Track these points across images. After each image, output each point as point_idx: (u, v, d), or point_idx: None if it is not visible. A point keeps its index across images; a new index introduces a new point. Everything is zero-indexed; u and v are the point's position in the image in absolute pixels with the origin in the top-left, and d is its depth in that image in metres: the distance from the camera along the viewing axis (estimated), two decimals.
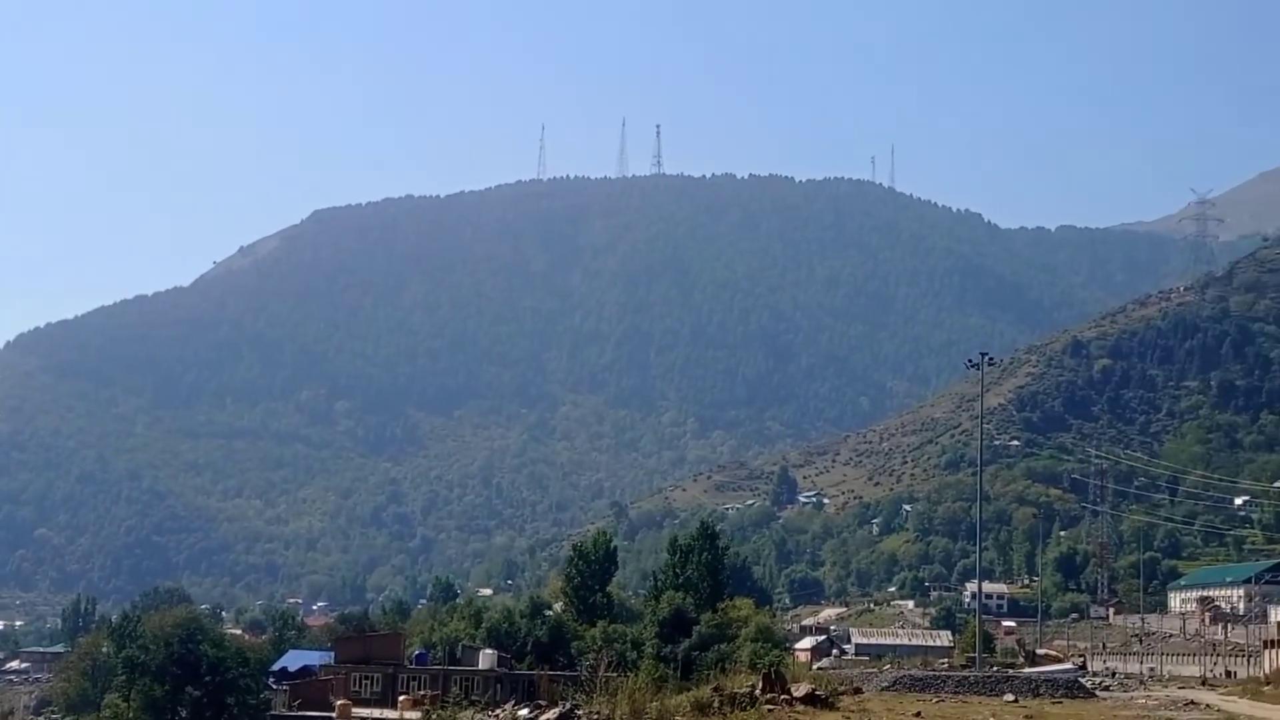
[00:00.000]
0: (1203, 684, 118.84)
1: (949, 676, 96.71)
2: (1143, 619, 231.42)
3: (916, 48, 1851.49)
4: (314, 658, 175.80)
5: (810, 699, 65.13)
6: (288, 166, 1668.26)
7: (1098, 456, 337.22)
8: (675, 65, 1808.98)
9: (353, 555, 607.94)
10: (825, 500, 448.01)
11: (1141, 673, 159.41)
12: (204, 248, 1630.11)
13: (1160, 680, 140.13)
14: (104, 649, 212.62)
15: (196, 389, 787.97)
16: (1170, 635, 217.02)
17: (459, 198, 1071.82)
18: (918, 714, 68.26)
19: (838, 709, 65.73)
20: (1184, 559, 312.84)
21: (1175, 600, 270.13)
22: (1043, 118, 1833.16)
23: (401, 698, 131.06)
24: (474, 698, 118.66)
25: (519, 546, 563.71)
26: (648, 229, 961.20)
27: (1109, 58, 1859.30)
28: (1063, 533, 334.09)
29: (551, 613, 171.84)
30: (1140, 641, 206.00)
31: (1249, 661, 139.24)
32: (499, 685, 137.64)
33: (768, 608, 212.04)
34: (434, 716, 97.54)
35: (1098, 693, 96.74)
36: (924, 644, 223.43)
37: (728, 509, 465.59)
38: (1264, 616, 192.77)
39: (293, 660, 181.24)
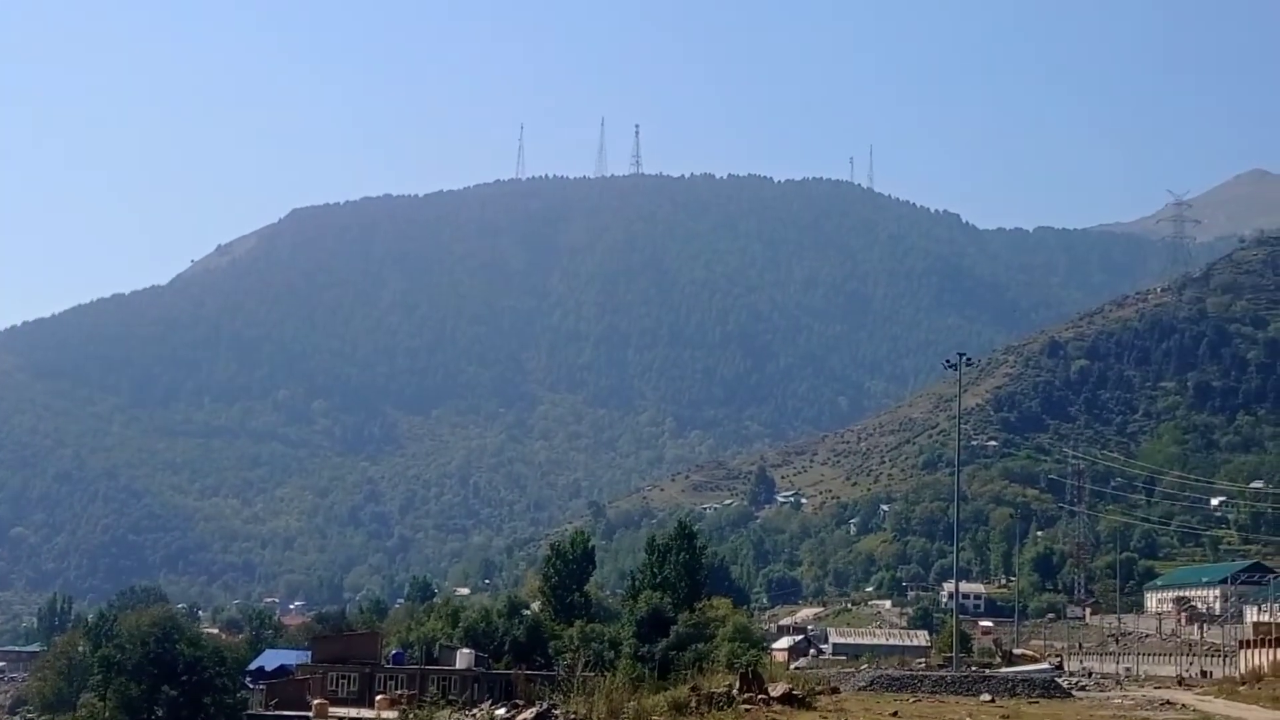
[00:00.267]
0: (1179, 684, 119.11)
1: (926, 676, 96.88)
2: (1119, 619, 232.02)
3: (895, 48, 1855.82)
4: (291, 657, 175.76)
5: (787, 699, 65.19)
6: (266, 165, 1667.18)
7: (1075, 457, 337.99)
8: (654, 65, 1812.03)
9: (330, 554, 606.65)
10: (803, 500, 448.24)
11: (1118, 673, 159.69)
12: (182, 247, 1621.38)
13: (1136, 680, 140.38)
14: (80, 648, 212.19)
15: (174, 388, 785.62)
16: (1146, 635, 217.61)
17: (437, 197, 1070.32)
18: (894, 714, 68.38)
19: (815, 709, 65.80)
20: (1160, 559, 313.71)
21: (1151, 600, 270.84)
22: (1021, 119, 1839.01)
23: (378, 697, 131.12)
24: (451, 697, 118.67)
25: (496, 546, 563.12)
26: (626, 229, 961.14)
27: (1087, 59, 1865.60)
28: (1040, 533, 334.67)
29: (529, 612, 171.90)
30: (1116, 641, 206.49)
31: (1225, 662, 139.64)
32: (476, 685, 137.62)
33: (745, 607, 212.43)
34: (411, 716, 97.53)
35: (1074, 693, 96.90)
36: (901, 644, 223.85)
37: (705, 509, 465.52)
38: (1240, 617, 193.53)
39: (270, 660, 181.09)
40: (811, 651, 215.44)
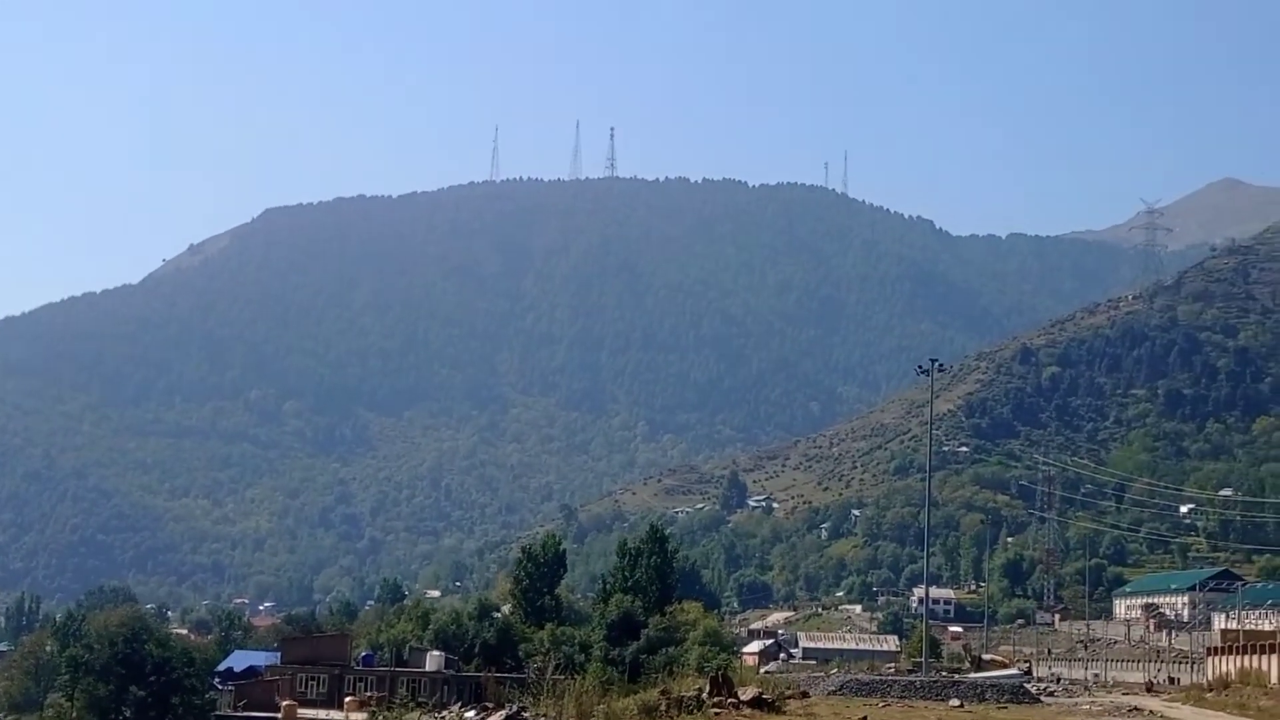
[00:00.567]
0: (1148, 690, 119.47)
1: (895, 681, 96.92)
2: (1088, 625, 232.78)
3: (871, 54, 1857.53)
4: (260, 658, 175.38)
5: (757, 703, 65.25)
6: (239, 165, 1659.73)
7: (1045, 463, 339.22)
8: (630, 68, 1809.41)
9: (300, 556, 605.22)
10: (774, 504, 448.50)
11: (1086, 679, 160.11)
12: (154, 245, 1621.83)
13: (1105, 686, 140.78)
14: (48, 648, 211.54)
15: (145, 387, 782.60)
16: (1115, 641, 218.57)
17: (411, 198, 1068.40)
18: (864, 718, 68.45)
19: (784, 713, 65.84)
20: (1129, 566, 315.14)
21: (1120, 607, 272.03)
22: (995, 125, 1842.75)
23: (348, 699, 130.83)
24: (421, 699, 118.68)
25: (468, 548, 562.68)
26: (601, 231, 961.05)
27: (1061, 68, 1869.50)
28: (1010, 539, 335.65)
29: (499, 615, 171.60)
30: (1085, 647, 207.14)
31: (1193, 668, 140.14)
32: (446, 687, 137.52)
33: (716, 611, 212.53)
34: (380, 718, 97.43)
35: (1043, 698, 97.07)
36: (871, 648, 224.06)
37: (677, 512, 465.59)
38: (1208, 624, 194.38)
39: (238, 660, 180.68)
40: (782, 656, 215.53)
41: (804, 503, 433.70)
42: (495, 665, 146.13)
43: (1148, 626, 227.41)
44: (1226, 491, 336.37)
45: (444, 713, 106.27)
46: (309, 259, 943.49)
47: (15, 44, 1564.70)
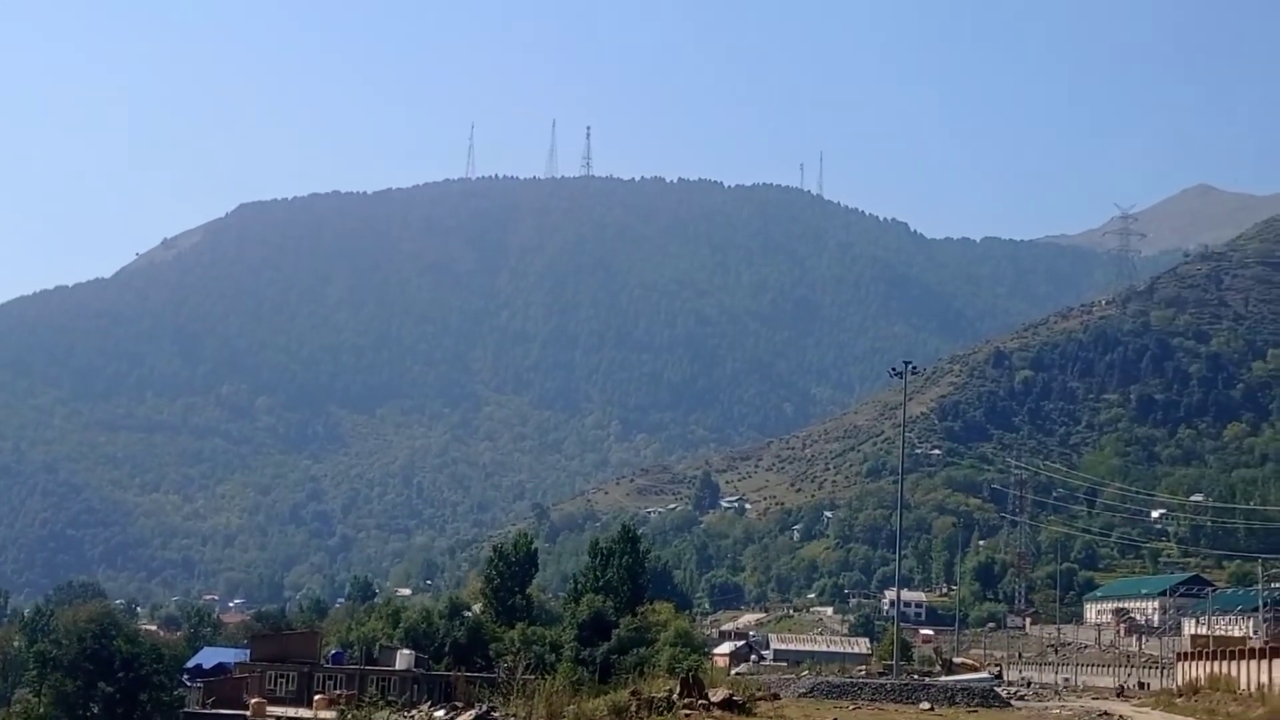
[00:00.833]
0: (1118, 695, 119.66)
1: (866, 684, 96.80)
2: (1059, 629, 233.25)
3: (847, 56, 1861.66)
4: (229, 655, 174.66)
5: (727, 704, 65.07)
6: (214, 159, 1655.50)
7: (1017, 467, 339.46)
8: (606, 67, 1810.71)
9: (271, 552, 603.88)
10: (747, 505, 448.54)
11: (1056, 683, 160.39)
12: (127, 239, 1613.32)
13: (1075, 691, 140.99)
14: (15, 643, 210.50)
15: (116, 382, 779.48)
16: (1085, 646, 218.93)
17: (386, 195, 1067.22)
18: None
19: (755, 715, 65.68)
20: (1100, 570, 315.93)
21: (1091, 611, 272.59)
22: (969, 129, 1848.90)
23: (317, 697, 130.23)
24: (390, 698, 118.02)
25: (439, 547, 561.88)
26: (576, 230, 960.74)
27: (1036, 73, 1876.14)
28: (981, 542, 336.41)
29: (470, 614, 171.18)
30: (1056, 651, 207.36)
31: (1163, 673, 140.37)
32: (416, 686, 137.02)
33: (687, 612, 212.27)
34: (349, 716, 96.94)
35: (1013, 702, 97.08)
36: (842, 651, 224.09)
37: (650, 512, 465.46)
38: (1178, 629, 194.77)
39: (208, 657, 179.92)
40: (753, 657, 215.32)
41: (776, 504, 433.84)
42: (465, 664, 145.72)
43: (1118, 631, 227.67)
44: (1197, 497, 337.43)
45: (413, 712, 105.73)
46: (283, 254, 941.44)
47: None
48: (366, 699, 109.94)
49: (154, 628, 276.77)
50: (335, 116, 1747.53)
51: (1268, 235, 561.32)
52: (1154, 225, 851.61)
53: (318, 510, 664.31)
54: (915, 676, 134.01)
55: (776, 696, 79.66)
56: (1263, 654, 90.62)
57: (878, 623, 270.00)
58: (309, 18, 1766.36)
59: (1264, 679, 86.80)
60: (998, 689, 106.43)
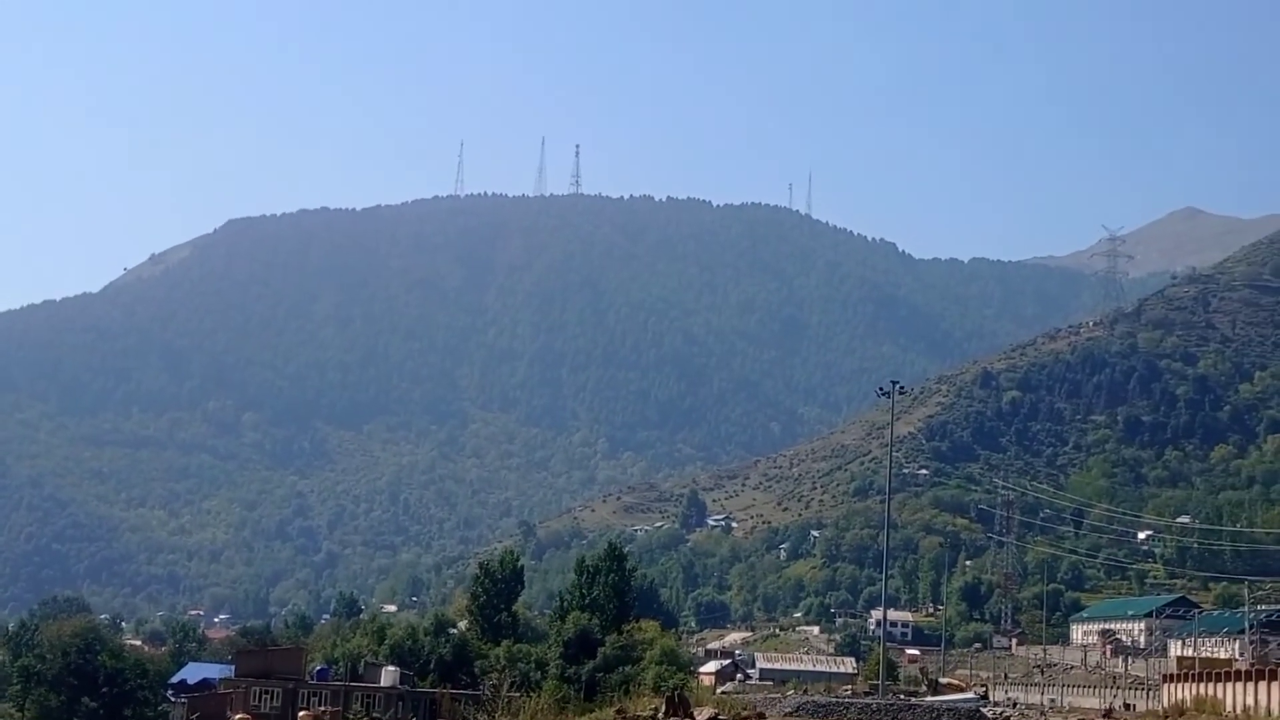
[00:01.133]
0: (1104, 716, 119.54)
1: (852, 703, 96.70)
2: (1045, 650, 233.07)
3: (836, 76, 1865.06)
4: (214, 671, 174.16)
5: None
6: (202, 175, 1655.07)
7: (1004, 487, 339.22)
8: (596, 86, 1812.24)
9: (256, 568, 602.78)
10: (734, 524, 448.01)
11: (1042, 704, 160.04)
12: (115, 254, 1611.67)
13: (1060, 712, 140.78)
14: None
15: (103, 396, 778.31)
16: (1071, 667, 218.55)
17: (375, 211, 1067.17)
18: None
19: None
20: (1087, 591, 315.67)
21: (1077, 632, 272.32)
22: (958, 150, 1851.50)
23: (301, 713, 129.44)
24: (375, 715, 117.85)
25: (425, 563, 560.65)
26: (564, 248, 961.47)
27: (1025, 95, 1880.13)
28: (968, 562, 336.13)
29: (456, 631, 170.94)
30: (1042, 672, 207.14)
31: (1148, 695, 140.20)
32: (401, 703, 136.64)
33: (673, 630, 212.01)
34: None
35: None
36: (828, 670, 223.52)
37: (636, 530, 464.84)
38: (1164, 650, 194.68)
39: (192, 673, 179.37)
40: (739, 676, 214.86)
41: (763, 523, 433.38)
42: (451, 682, 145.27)
43: (1104, 652, 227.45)
44: (1184, 519, 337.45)
45: None
46: (271, 270, 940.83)
47: None
48: (351, 716, 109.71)
49: (139, 643, 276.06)
50: (324, 133, 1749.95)
51: (1254, 258, 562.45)
52: (1141, 247, 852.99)
53: (304, 526, 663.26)
54: (901, 696, 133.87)
55: (762, 716, 79.51)
56: (1249, 676, 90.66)
57: (864, 642, 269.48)
58: (298, 35, 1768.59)
59: (1250, 701, 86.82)
60: (983, 709, 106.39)
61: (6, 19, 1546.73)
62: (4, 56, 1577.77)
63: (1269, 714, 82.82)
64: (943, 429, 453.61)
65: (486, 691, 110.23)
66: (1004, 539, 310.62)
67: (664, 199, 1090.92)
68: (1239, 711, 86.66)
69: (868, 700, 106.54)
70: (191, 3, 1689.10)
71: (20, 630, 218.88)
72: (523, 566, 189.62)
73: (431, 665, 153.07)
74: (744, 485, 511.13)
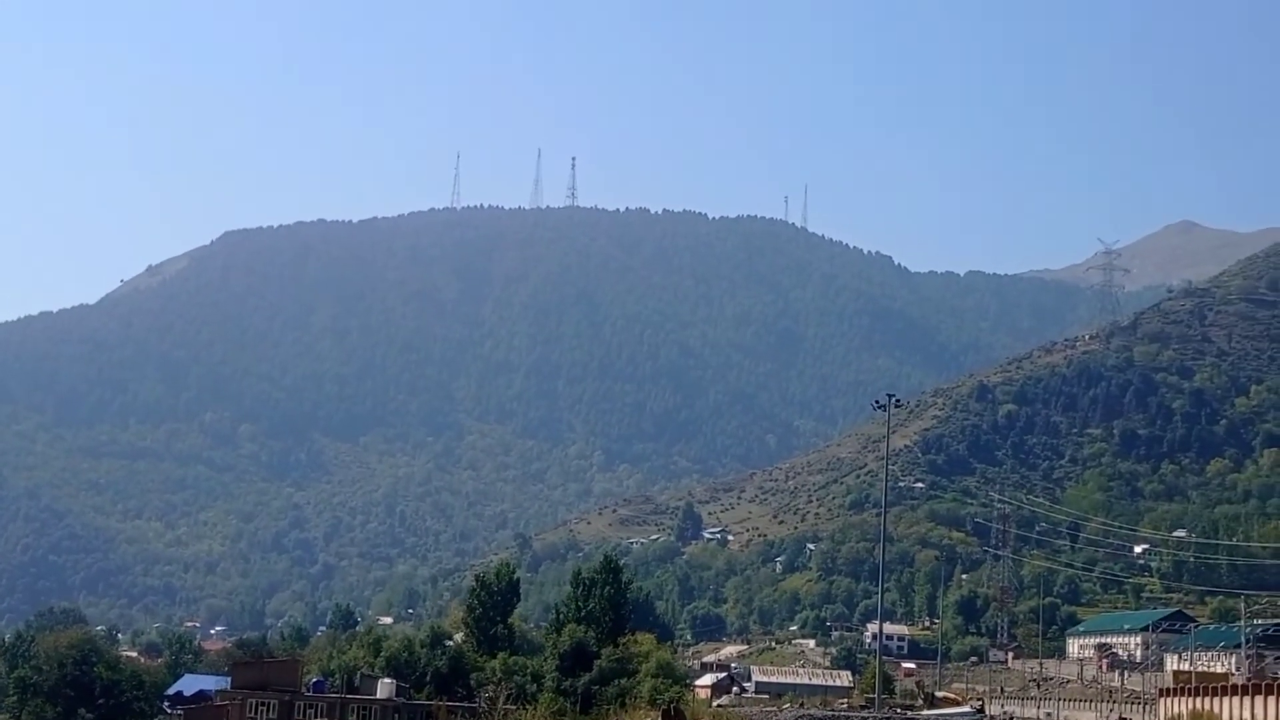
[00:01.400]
0: None
1: (848, 717, 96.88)
2: (1041, 664, 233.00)
3: (832, 89, 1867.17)
4: (210, 682, 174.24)
5: None
6: (199, 187, 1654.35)
7: (1001, 501, 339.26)
8: (592, 98, 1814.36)
9: (253, 580, 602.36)
10: (729, 537, 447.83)
11: (1038, 717, 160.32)
12: (112, 266, 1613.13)
13: None
14: None
15: (99, 408, 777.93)
16: (1067, 681, 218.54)
17: (371, 223, 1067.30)
18: None
19: None
20: (1083, 605, 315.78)
21: (1073, 646, 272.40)
22: (955, 163, 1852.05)
23: None
24: None
25: (421, 575, 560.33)
26: (560, 260, 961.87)
27: (1022, 108, 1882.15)
28: (964, 576, 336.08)
29: (452, 643, 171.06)
30: (1038, 686, 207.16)
31: (1144, 709, 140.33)
32: (397, 715, 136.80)
33: (669, 643, 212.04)
34: None
35: None
36: (824, 683, 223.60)
37: (632, 543, 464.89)
38: (1160, 664, 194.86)
39: (188, 684, 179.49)
40: (734, 689, 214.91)
41: (759, 535, 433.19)
42: (447, 694, 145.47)
43: (1100, 666, 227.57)
44: (1180, 533, 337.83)
45: None
46: (267, 282, 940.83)
47: None
48: None
49: (135, 654, 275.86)
50: (321, 145, 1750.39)
51: (1250, 272, 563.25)
52: (1137, 261, 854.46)
53: (300, 538, 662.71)
54: (897, 710, 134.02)
55: None
56: (1245, 690, 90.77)
57: (860, 656, 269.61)
58: (295, 46, 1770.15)
59: (1246, 715, 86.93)
60: None
61: (4, 28, 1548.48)
62: (1, 68, 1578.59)
63: None
64: (939, 442, 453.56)
65: (482, 704, 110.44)
66: (1000, 552, 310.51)
67: (660, 211, 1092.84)
68: None
69: (864, 714, 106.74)
70: (189, 15, 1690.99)
71: (17, 641, 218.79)
72: (518, 579, 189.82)
73: (427, 677, 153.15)
74: (740, 498, 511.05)
